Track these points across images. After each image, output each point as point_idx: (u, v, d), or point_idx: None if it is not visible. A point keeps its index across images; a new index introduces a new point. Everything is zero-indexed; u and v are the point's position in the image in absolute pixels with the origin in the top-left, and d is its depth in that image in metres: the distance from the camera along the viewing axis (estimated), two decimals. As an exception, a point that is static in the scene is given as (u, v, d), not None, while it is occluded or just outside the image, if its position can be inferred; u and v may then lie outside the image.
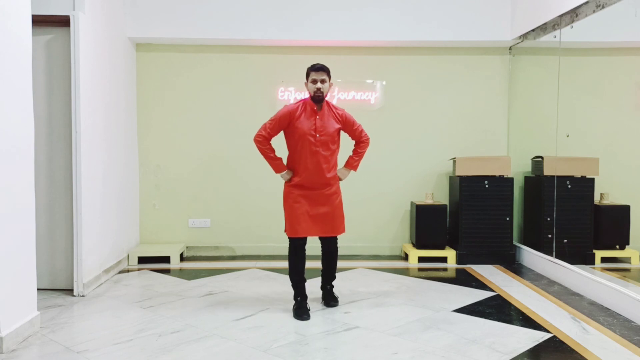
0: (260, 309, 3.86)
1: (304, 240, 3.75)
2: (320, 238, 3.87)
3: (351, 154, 3.93)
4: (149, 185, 5.75)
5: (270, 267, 5.19)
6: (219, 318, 3.64)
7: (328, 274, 3.95)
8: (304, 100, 3.77)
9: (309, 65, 3.74)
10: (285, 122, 3.71)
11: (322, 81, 3.65)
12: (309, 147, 3.67)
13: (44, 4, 4.04)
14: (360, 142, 3.91)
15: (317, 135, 3.67)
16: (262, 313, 3.76)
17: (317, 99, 3.68)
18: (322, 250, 3.92)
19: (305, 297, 3.77)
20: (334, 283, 4.02)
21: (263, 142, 3.72)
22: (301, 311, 3.66)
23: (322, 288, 4.00)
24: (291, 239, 3.74)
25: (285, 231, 3.76)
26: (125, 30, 5.31)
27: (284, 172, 3.76)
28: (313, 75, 3.66)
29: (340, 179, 3.84)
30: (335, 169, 3.80)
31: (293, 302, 3.78)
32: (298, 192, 3.71)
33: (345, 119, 3.81)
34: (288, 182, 3.76)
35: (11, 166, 3.12)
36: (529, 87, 5.56)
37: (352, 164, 3.90)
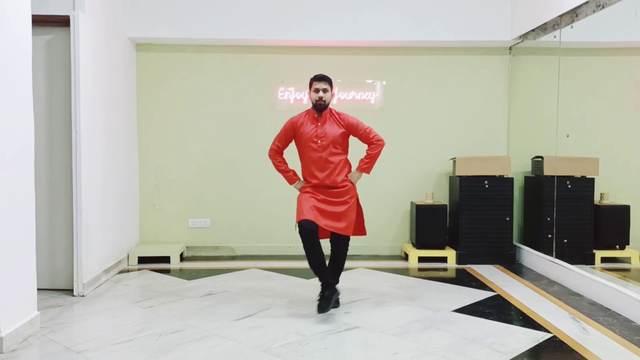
0: (260, 309, 3.86)
1: (313, 226, 3.62)
2: (331, 238, 3.84)
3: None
4: (149, 185, 5.75)
5: (270, 267, 5.19)
6: (219, 318, 3.64)
7: (333, 273, 3.86)
8: (308, 110, 3.86)
9: (312, 76, 3.84)
10: (290, 133, 3.86)
11: (324, 90, 3.76)
12: (313, 153, 3.78)
13: (44, 4, 4.04)
14: (371, 144, 3.88)
15: (319, 141, 3.75)
16: (262, 313, 3.76)
17: (319, 107, 3.78)
18: (331, 251, 3.90)
19: (328, 284, 3.73)
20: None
21: (274, 155, 3.92)
22: (320, 303, 3.65)
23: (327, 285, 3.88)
24: (300, 226, 3.64)
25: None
26: (125, 30, 5.31)
27: (297, 182, 3.93)
28: (315, 85, 3.78)
29: (352, 182, 3.87)
30: (345, 172, 3.83)
31: (293, 302, 3.80)
32: (313, 188, 3.79)
33: (347, 122, 3.84)
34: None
35: (11, 166, 3.12)
36: (529, 87, 5.56)
37: (362, 166, 3.90)
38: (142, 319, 3.65)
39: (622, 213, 4.66)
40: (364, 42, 5.55)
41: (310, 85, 3.81)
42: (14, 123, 3.16)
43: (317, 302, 3.67)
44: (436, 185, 5.84)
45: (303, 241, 3.67)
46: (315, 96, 3.76)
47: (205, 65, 5.72)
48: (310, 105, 3.86)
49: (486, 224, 5.31)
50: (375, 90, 5.79)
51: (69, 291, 4.23)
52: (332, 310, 3.80)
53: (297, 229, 3.69)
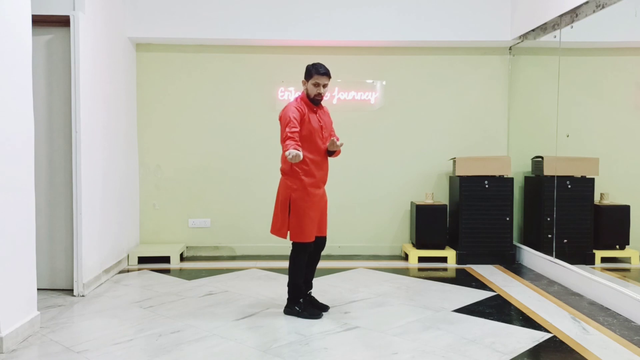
0: (260, 309, 3.86)
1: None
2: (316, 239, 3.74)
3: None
4: (149, 185, 5.75)
5: (270, 267, 5.19)
6: (219, 318, 3.65)
7: (312, 276, 3.85)
8: (301, 99, 3.66)
9: (312, 64, 3.62)
10: (298, 120, 3.55)
11: (324, 86, 3.61)
12: (319, 144, 3.62)
13: (44, 4, 4.04)
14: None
15: (324, 133, 3.67)
16: (262, 313, 3.76)
17: (316, 101, 3.65)
18: (314, 252, 3.77)
19: (304, 292, 3.79)
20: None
21: (294, 137, 3.46)
22: (314, 310, 3.69)
23: (305, 296, 3.81)
24: (305, 245, 3.63)
25: (292, 239, 3.61)
26: (125, 30, 5.31)
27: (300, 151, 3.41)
28: (317, 79, 3.56)
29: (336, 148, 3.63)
30: None
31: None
32: (312, 197, 3.60)
33: (328, 114, 3.83)
34: (300, 182, 3.56)
35: (11, 166, 3.12)
36: (529, 87, 5.56)
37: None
38: (142, 319, 3.65)
39: (622, 213, 4.66)
40: (364, 42, 5.55)
41: (310, 75, 3.59)
42: (14, 123, 3.16)
43: (311, 313, 3.67)
44: (436, 185, 5.84)
45: (301, 258, 3.64)
46: (314, 90, 3.58)
47: (205, 65, 5.72)
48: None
49: (486, 224, 5.30)
50: (375, 90, 5.79)
51: (69, 291, 4.23)
52: (332, 310, 3.80)
53: (291, 242, 3.66)
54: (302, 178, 3.57)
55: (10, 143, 3.11)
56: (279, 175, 3.78)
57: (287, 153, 3.31)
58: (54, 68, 4.21)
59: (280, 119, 3.63)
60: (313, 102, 3.64)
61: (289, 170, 3.60)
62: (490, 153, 5.75)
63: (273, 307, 3.90)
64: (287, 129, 3.48)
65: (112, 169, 4.91)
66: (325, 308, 3.80)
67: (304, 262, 3.69)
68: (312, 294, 3.87)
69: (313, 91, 3.60)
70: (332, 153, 3.74)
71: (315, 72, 3.57)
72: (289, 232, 3.64)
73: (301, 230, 3.58)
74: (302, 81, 3.67)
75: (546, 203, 4.95)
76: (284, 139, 3.49)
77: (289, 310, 3.72)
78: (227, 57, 5.72)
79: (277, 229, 3.69)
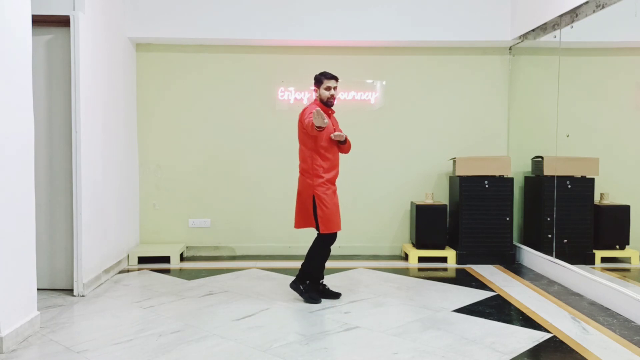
0: (260, 309, 3.86)
1: None
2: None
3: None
4: (149, 185, 5.75)
5: (270, 267, 5.19)
6: (219, 318, 3.65)
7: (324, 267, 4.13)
8: (315, 103, 3.94)
9: (319, 73, 3.94)
10: None
11: (335, 88, 3.91)
12: (335, 145, 3.93)
13: (44, 4, 4.04)
14: None
15: None
16: (262, 313, 3.76)
17: (330, 104, 3.93)
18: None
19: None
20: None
21: None
22: (316, 295, 3.97)
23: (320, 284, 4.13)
24: (334, 235, 3.92)
25: (323, 231, 3.85)
26: (125, 30, 5.31)
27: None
28: (328, 83, 3.89)
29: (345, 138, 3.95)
30: None
31: (293, 302, 3.86)
32: (334, 191, 3.91)
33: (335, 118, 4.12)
34: (321, 178, 3.84)
35: (11, 166, 3.12)
36: (529, 87, 5.56)
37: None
38: (142, 319, 3.65)
39: (622, 213, 4.66)
40: (364, 42, 5.54)
41: (321, 82, 3.90)
42: (14, 123, 3.16)
43: (314, 295, 3.94)
44: (436, 185, 5.84)
45: (327, 247, 3.93)
46: (327, 94, 3.90)
47: (205, 65, 5.72)
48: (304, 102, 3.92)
49: (486, 224, 5.31)
50: (375, 90, 5.79)
51: (69, 291, 4.23)
52: (332, 310, 3.81)
53: (319, 234, 3.90)
54: (322, 175, 3.86)
55: (10, 143, 3.11)
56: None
57: (314, 112, 3.56)
58: (54, 68, 4.21)
59: (300, 116, 3.90)
60: (327, 105, 3.94)
61: (310, 168, 3.88)
62: (490, 153, 5.75)
63: (273, 307, 3.90)
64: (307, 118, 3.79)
65: (112, 169, 4.91)
66: (337, 295, 4.06)
67: (328, 254, 3.99)
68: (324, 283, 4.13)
69: (326, 95, 3.91)
70: (343, 148, 4.01)
71: (325, 77, 3.91)
72: (317, 224, 3.90)
73: (330, 221, 3.86)
74: (314, 89, 4.00)
75: (546, 203, 4.96)
76: (307, 121, 3.76)
77: (295, 286, 4.00)
78: (227, 57, 5.73)
79: (303, 223, 3.97)
